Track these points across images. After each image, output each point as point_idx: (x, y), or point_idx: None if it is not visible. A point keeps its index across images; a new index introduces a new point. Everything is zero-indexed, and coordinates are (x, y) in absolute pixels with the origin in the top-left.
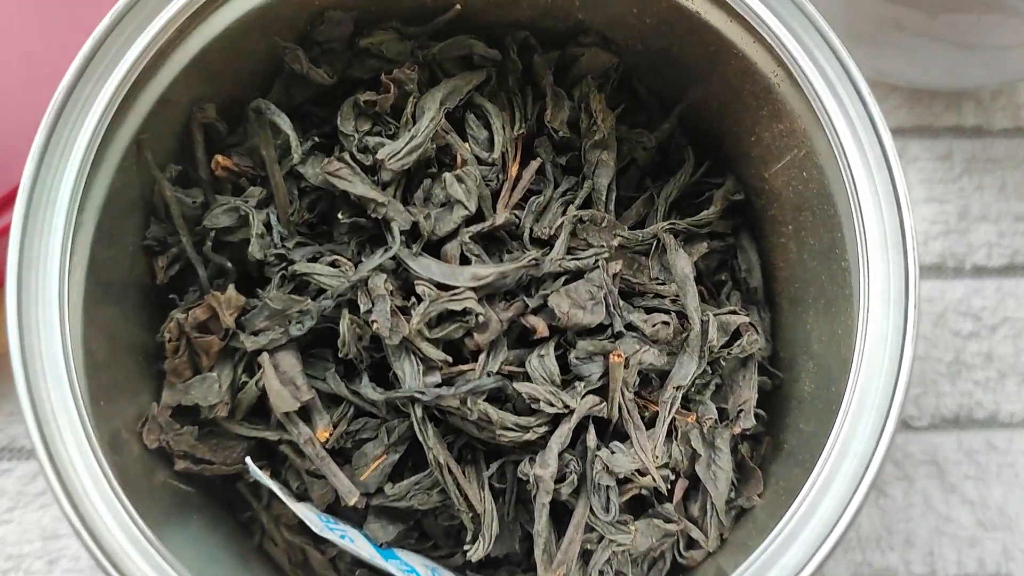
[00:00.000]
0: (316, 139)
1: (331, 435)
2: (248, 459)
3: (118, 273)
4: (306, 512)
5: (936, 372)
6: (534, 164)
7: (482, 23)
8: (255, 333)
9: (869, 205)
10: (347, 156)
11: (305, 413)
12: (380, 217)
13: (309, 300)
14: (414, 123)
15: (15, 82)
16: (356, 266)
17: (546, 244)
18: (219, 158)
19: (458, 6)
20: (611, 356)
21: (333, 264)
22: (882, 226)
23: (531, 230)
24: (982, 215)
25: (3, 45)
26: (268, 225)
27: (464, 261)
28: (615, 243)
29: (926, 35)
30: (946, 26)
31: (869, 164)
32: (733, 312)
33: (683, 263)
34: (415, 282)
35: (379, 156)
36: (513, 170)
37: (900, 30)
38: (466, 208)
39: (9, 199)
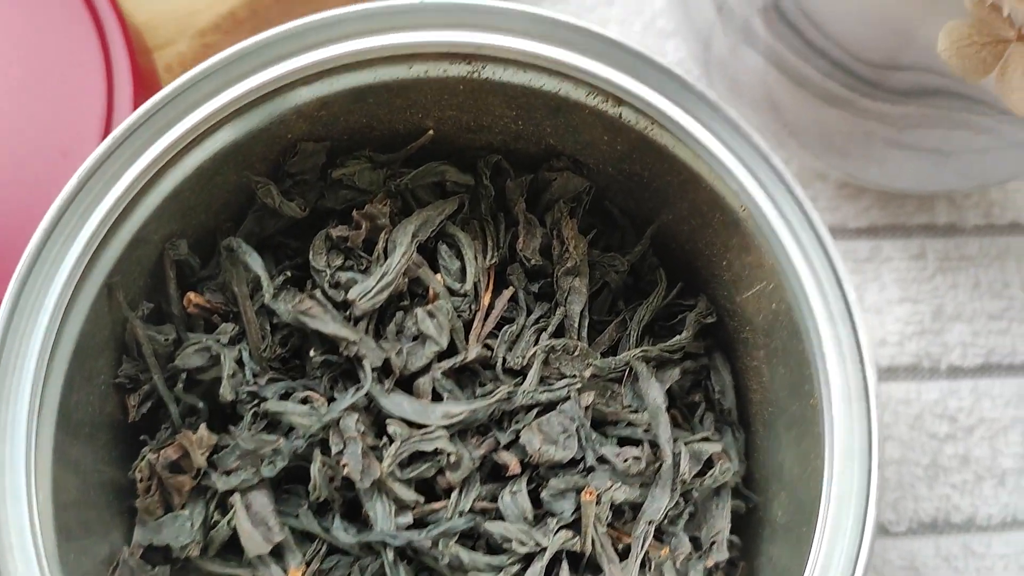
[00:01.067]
0: (288, 273)
1: (303, 574)
2: None
3: (89, 412)
4: None
5: (913, 476)
6: (506, 294)
7: (455, 147)
8: (227, 472)
9: (833, 357)
10: (319, 293)
11: (278, 549)
12: (352, 355)
13: (281, 439)
14: (386, 258)
15: None
16: (329, 401)
17: (519, 373)
18: (191, 296)
19: (431, 131)
20: (583, 493)
21: (305, 400)
22: (845, 380)
23: (504, 360)
24: (956, 314)
25: None
26: (240, 362)
27: (436, 396)
28: (587, 373)
29: (896, 146)
30: (915, 138)
31: (833, 316)
32: (706, 439)
33: (655, 393)
34: (387, 421)
35: (350, 296)
36: (485, 299)
37: (870, 142)
38: (437, 344)
39: None
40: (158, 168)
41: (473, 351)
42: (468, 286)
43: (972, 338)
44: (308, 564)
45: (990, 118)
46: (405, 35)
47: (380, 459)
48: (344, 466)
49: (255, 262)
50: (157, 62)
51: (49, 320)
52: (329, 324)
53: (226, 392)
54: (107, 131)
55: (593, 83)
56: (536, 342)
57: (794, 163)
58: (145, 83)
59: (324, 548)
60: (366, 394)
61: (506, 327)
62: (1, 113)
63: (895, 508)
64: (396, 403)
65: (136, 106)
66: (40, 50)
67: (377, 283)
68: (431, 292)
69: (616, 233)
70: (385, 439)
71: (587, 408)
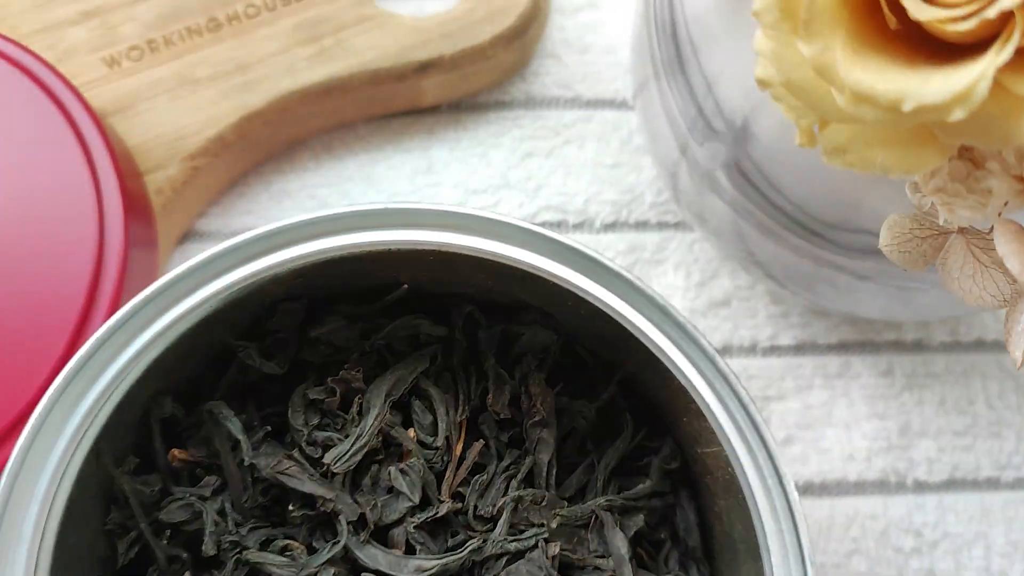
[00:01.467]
0: (269, 427)
1: None
2: None
3: (81, 554)
4: None
5: None
6: (476, 446)
7: (428, 296)
8: None
9: (777, 553)
10: (296, 453)
11: None
12: (328, 510)
13: None
14: (360, 420)
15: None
16: (308, 548)
17: (489, 520)
18: (175, 452)
19: (405, 286)
20: None
21: (285, 549)
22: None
23: (475, 509)
24: (922, 431)
25: None
26: (223, 512)
27: (409, 548)
28: (554, 524)
29: (859, 286)
30: (878, 279)
31: (774, 504)
32: None
33: (619, 543)
34: (362, 573)
35: (326, 460)
36: (457, 450)
37: (832, 282)
38: (410, 500)
39: None
40: (145, 346)
41: (444, 507)
42: (440, 440)
43: (938, 454)
44: None
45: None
46: (373, 234)
47: None
48: None
49: (235, 427)
50: (149, 185)
51: (48, 483)
52: (307, 484)
53: (208, 547)
54: (100, 257)
55: (558, 279)
56: (506, 491)
57: (760, 285)
58: (136, 207)
59: None
60: (343, 548)
61: (477, 476)
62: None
63: None
64: (371, 555)
65: (127, 230)
66: (29, 187)
67: (351, 446)
68: (405, 449)
69: (586, 375)
70: None
71: (553, 557)
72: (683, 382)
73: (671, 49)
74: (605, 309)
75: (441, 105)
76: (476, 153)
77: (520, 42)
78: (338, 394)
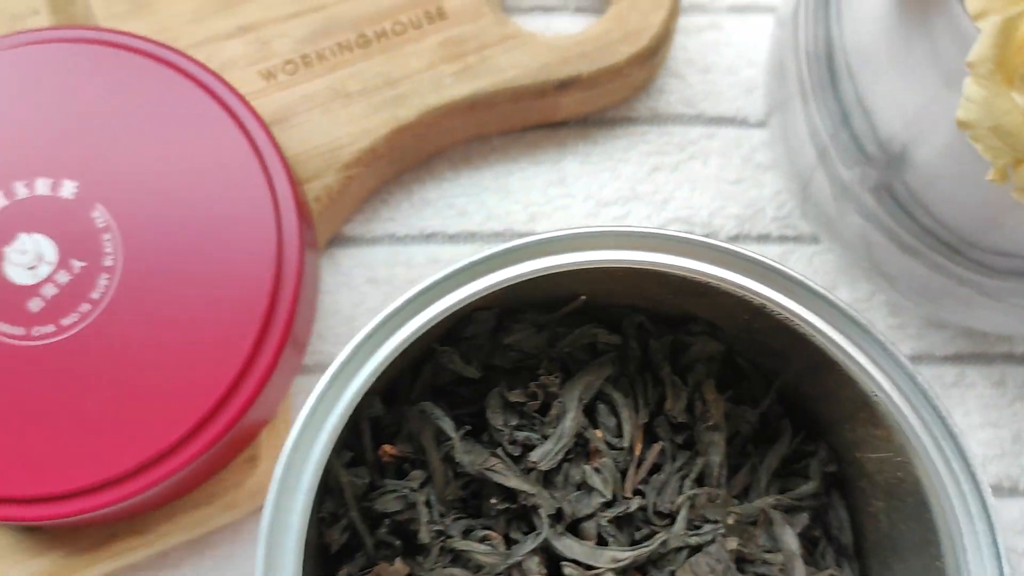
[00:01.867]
0: (468, 427)
1: None
2: None
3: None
4: None
5: None
6: (656, 447)
7: (601, 307)
8: None
9: (971, 549)
10: (500, 451)
11: None
12: (529, 504)
13: (468, 575)
14: (557, 424)
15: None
16: (505, 538)
17: (668, 518)
18: (386, 448)
19: (583, 297)
20: None
21: (484, 539)
22: (980, 561)
23: (654, 506)
24: None
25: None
26: (428, 503)
27: (600, 540)
28: (731, 520)
29: (990, 305)
30: (1013, 301)
31: (969, 508)
32: (833, 574)
33: (789, 539)
34: (561, 562)
35: (533, 458)
36: (637, 450)
37: (967, 301)
38: (603, 496)
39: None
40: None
41: (635, 503)
42: (626, 442)
43: None
44: None
45: None
46: (578, 255)
47: None
48: None
49: (447, 425)
50: (308, 194)
51: (311, 477)
52: (511, 479)
53: (423, 535)
54: (280, 258)
55: (747, 292)
56: (680, 489)
57: (882, 295)
58: (303, 212)
59: None
60: (543, 540)
61: (655, 475)
62: (186, 252)
63: None
64: (568, 546)
65: (301, 233)
66: (212, 192)
67: (556, 446)
68: (593, 448)
69: (742, 382)
70: None
71: (732, 552)
72: (879, 393)
73: (824, 75)
74: (799, 323)
75: (571, 120)
76: (606, 167)
77: (653, 61)
78: (540, 396)
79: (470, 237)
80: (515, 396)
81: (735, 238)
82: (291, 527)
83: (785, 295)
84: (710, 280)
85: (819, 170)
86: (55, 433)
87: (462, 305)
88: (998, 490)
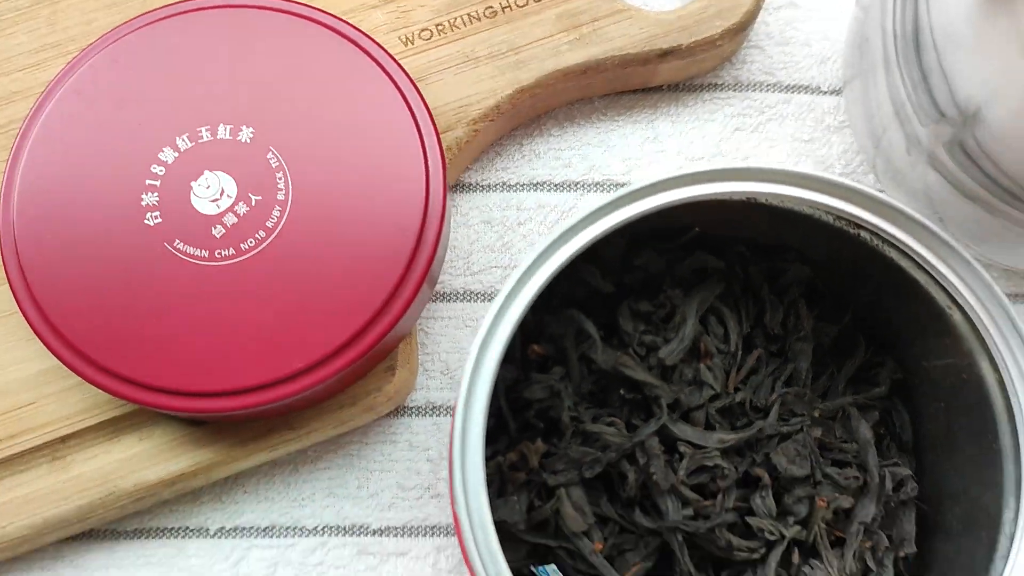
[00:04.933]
0: (602, 332)
1: (604, 546)
2: (553, 568)
3: None
4: None
5: None
6: (756, 352)
7: (711, 239)
8: (554, 472)
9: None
10: (630, 351)
11: (587, 531)
12: (651, 395)
13: (599, 452)
14: (678, 329)
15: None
16: (628, 427)
17: (762, 411)
18: (534, 346)
19: (696, 229)
20: (818, 501)
21: (610, 423)
22: None
23: (751, 401)
24: None
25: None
26: (567, 395)
27: (708, 426)
28: (815, 414)
29: None
30: None
31: None
32: (897, 464)
33: (865, 430)
34: (676, 442)
35: (661, 355)
36: (738, 356)
37: (1006, 236)
38: (713, 389)
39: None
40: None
41: (738, 396)
42: (732, 347)
43: None
44: (605, 539)
45: None
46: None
47: (675, 470)
48: (652, 474)
49: (590, 326)
50: (442, 144)
51: (494, 369)
52: (639, 373)
53: (565, 418)
54: (426, 202)
55: (840, 215)
56: (773, 388)
57: None
58: (444, 161)
59: (617, 528)
60: (662, 424)
61: (752, 376)
62: (346, 192)
63: None
64: (682, 430)
65: (445, 177)
66: (370, 140)
67: (678, 347)
68: (705, 349)
69: (824, 303)
70: (676, 455)
71: (816, 439)
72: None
73: (909, 49)
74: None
75: (664, 85)
76: (694, 127)
77: (741, 35)
78: (668, 306)
79: (573, 186)
80: (644, 306)
81: None
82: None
83: (882, 219)
84: (816, 207)
85: (893, 129)
86: (232, 340)
87: (610, 231)
88: None
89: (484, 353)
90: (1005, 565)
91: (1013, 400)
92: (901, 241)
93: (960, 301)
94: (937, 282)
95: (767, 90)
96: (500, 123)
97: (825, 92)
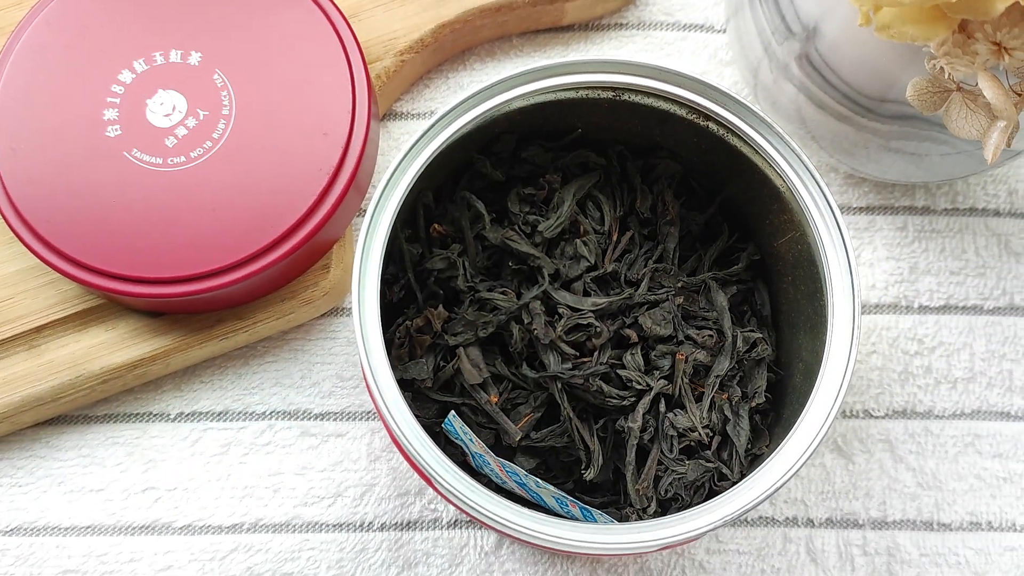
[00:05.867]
0: (494, 215)
1: (498, 399)
2: (452, 414)
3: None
4: (494, 459)
5: (890, 379)
6: (627, 234)
7: (594, 140)
8: (455, 334)
9: (836, 270)
10: (515, 228)
11: (483, 385)
12: (535, 266)
13: (490, 315)
14: (557, 209)
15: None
16: (518, 295)
17: (634, 284)
18: (436, 226)
19: (579, 130)
20: (677, 355)
21: (502, 292)
22: (842, 280)
23: (625, 275)
24: (926, 270)
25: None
26: (464, 267)
27: (586, 293)
28: (679, 285)
29: (885, 150)
30: (899, 146)
31: (835, 247)
32: (751, 331)
33: (721, 299)
34: (556, 306)
35: (539, 228)
36: (614, 236)
37: (868, 147)
38: (588, 261)
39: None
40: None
41: (609, 267)
42: (605, 228)
43: (937, 287)
44: (500, 394)
45: (944, 134)
46: (577, 76)
47: (554, 328)
48: (534, 330)
49: (480, 206)
50: (371, 72)
51: (382, 246)
52: (523, 246)
53: (460, 284)
54: (353, 118)
55: (692, 106)
56: (645, 265)
57: (815, 158)
58: (370, 86)
59: (510, 385)
60: (544, 290)
61: (626, 255)
62: (283, 108)
63: (876, 400)
64: (562, 296)
65: (370, 102)
66: (304, 63)
67: (555, 222)
68: (583, 229)
69: (695, 198)
70: (556, 316)
71: (679, 306)
72: (779, 173)
73: None
74: (727, 125)
75: (574, 25)
76: None
77: None
78: (546, 189)
79: None
80: (528, 190)
81: None
82: (370, 274)
83: (721, 107)
84: (665, 95)
85: (764, 58)
86: (183, 234)
87: (486, 116)
88: (896, 308)
89: (379, 217)
90: (813, 394)
91: (821, 252)
92: (736, 127)
93: (783, 176)
94: (767, 163)
95: (667, 29)
96: (425, 56)
97: (717, 31)
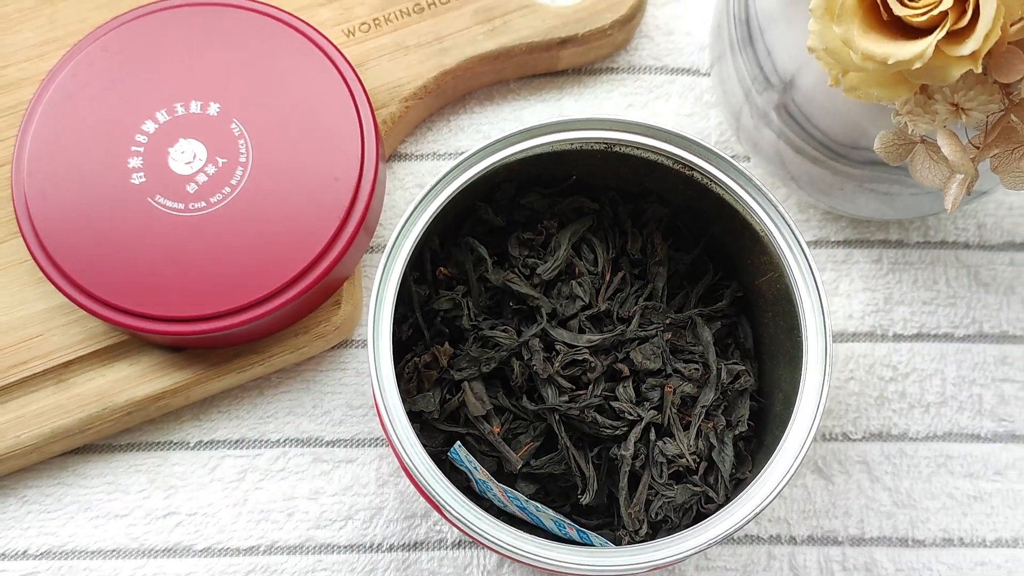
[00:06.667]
0: (495, 258)
1: (500, 429)
2: (458, 444)
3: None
4: (496, 485)
5: (867, 403)
6: (619, 274)
7: (587, 185)
8: (459, 370)
9: (809, 310)
10: (516, 270)
11: (486, 417)
12: (534, 306)
13: (493, 352)
14: (554, 253)
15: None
16: (518, 333)
17: (626, 321)
18: (442, 269)
19: (574, 177)
20: (665, 388)
21: (504, 330)
22: (814, 320)
23: (617, 313)
24: (900, 300)
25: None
26: (468, 307)
27: (581, 331)
28: (667, 321)
29: (860, 191)
30: (872, 187)
31: (808, 289)
32: (735, 363)
33: (706, 334)
34: (554, 343)
35: (538, 271)
36: (607, 277)
37: (843, 188)
38: (583, 300)
39: (304, 273)
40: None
41: (603, 305)
42: (599, 269)
43: (910, 316)
44: (502, 425)
45: (911, 179)
46: (572, 133)
47: (552, 363)
48: (533, 365)
49: (483, 251)
50: (378, 118)
51: (394, 292)
52: (523, 287)
53: (465, 323)
54: (362, 163)
55: (676, 159)
56: (636, 303)
57: (794, 197)
58: (377, 133)
59: (511, 416)
60: (542, 328)
61: (618, 294)
62: (296, 154)
63: (854, 423)
64: (559, 333)
65: (378, 147)
66: (315, 112)
67: (552, 265)
68: (578, 271)
69: (682, 239)
70: (553, 352)
71: (667, 341)
72: (757, 219)
73: (744, 31)
74: (709, 176)
75: (568, 70)
76: (593, 104)
77: (630, 25)
78: (544, 234)
79: None
80: (527, 235)
81: None
82: (384, 317)
83: (704, 160)
84: (653, 150)
85: (745, 104)
86: (203, 275)
87: (488, 169)
88: (872, 336)
89: (392, 264)
90: (791, 422)
91: (796, 293)
92: (717, 178)
93: (761, 223)
94: (747, 211)
95: (655, 73)
96: (428, 101)
97: (703, 74)
